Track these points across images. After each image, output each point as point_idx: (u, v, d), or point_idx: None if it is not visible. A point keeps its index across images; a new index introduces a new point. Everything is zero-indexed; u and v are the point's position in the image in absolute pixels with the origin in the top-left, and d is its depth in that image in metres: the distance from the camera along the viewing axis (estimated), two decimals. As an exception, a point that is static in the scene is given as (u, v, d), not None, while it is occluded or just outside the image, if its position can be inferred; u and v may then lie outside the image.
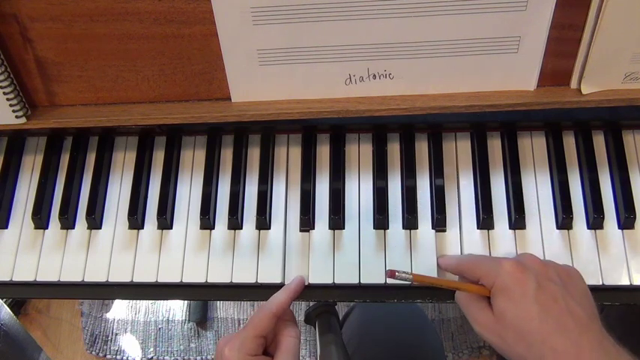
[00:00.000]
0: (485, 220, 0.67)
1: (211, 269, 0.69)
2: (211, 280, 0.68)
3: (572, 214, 0.66)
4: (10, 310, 1.04)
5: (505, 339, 0.53)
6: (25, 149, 0.77)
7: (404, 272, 0.57)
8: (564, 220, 0.66)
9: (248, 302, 1.54)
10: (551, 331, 0.50)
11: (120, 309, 1.57)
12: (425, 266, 0.66)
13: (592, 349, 0.49)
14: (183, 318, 1.54)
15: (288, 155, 0.74)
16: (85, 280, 0.70)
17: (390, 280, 0.64)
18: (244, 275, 0.68)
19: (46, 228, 0.72)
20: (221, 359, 0.58)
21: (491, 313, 0.55)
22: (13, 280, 0.70)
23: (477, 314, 0.56)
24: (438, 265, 0.65)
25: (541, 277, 0.53)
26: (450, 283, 0.60)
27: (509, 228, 0.68)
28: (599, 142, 0.71)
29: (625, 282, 0.64)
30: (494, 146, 0.72)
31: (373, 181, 0.71)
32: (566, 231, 0.67)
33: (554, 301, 0.52)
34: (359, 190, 0.71)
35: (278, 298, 0.63)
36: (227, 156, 0.74)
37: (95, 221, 0.71)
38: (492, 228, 0.68)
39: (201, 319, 1.52)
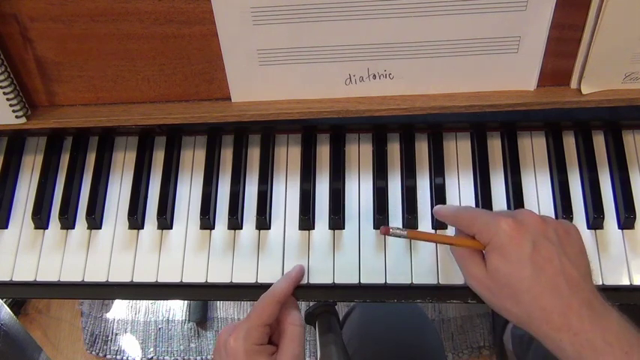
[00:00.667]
0: (553, 218, 0.66)
1: (211, 269, 0.69)
2: (211, 280, 0.68)
3: (572, 214, 0.66)
4: (10, 310, 1.04)
5: (495, 294, 0.54)
6: (25, 149, 0.77)
7: (398, 228, 0.58)
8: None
9: (248, 302, 1.53)
10: (542, 291, 0.50)
11: (120, 309, 1.57)
12: (425, 266, 0.66)
13: (580, 307, 0.49)
14: (183, 318, 1.54)
15: (288, 155, 0.74)
16: (85, 280, 0.70)
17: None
18: (244, 275, 0.68)
19: (46, 228, 0.72)
20: (224, 350, 0.57)
21: (484, 268, 0.55)
22: (13, 280, 0.70)
23: (470, 267, 0.56)
24: (434, 214, 0.64)
25: (538, 236, 0.53)
26: (444, 239, 0.60)
27: (509, 228, 0.68)
28: (599, 142, 0.71)
29: (625, 282, 0.64)
30: (494, 146, 0.72)
31: (373, 181, 0.71)
32: (566, 231, 0.67)
33: (549, 261, 0.52)
34: (359, 190, 0.71)
35: (280, 286, 0.62)
36: (227, 156, 0.74)
37: (95, 221, 0.71)
38: (492, 228, 0.68)
39: (201, 319, 1.52)
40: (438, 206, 0.64)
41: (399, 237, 0.58)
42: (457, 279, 0.66)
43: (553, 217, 0.68)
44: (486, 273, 0.54)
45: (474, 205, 0.69)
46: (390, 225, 0.58)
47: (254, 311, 0.59)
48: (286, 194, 0.72)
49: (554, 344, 0.50)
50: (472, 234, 0.57)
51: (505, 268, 0.53)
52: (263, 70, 0.63)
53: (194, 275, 0.69)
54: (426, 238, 0.60)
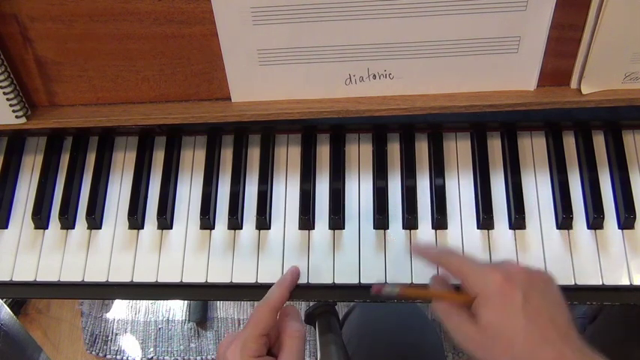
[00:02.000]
0: (485, 220, 0.67)
1: (211, 269, 0.69)
2: (211, 280, 0.68)
3: (572, 214, 0.66)
4: (10, 310, 1.04)
5: (488, 349, 0.53)
6: (25, 149, 0.77)
7: (390, 286, 0.56)
8: (564, 220, 0.66)
9: (248, 302, 1.53)
10: (537, 343, 0.50)
11: (120, 309, 1.57)
12: (425, 267, 0.66)
13: (573, 354, 0.50)
14: (183, 318, 1.54)
15: (288, 155, 0.74)
16: (85, 280, 0.70)
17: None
18: (244, 275, 0.68)
19: (46, 228, 0.72)
20: None
21: (476, 324, 0.54)
22: (13, 280, 0.70)
23: (459, 324, 0.55)
24: (413, 252, 0.64)
25: (527, 288, 0.53)
26: (436, 294, 0.59)
27: (509, 228, 0.68)
28: (599, 142, 0.71)
29: (625, 282, 0.64)
30: (494, 146, 0.72)
31: (373, 181, 0.71)
32: (566, 231, 0.67)
33: (539, 312, 0.52)
34: (359, 190, 0.71)
35: (274, 292, 0.61)
36: (227, 156, 0.74)
37: (95, 221, 0.71)
38: (492, 228, 0.68)
39: (201, 319, 1.52)
40: (416, 244, 0.64)
41: (390, 294, 0.56)
42: (457, 279, 0.66)
43: (553, 217, 0.68)
44: (477, 328, 0.53)
45: (474, 205, 0.69)
46: (383, 284, 0.56)
47: (250, 322, 0.58)
48: (286, 194, 0.72)
49: None
50: (460, 280, 0.56)
51: (499, 321, 0.52)
52: (263, 70, 0.63)
53: (194, 275, 0.69)
54: (418, 294, 0.59)
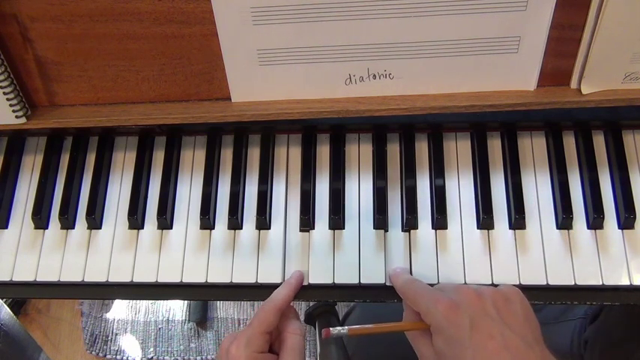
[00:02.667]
0: (485, 220, 0.67)
1: (211, 269, 0.69)
2: (211, 280, 0.68)
3: (572, 214, 0.66)
4: (10, 310, 1.04)
5: None
6: (25, 149, 0.77)
7: (338, 328, 0.57)
8: (564, 220, 0.66)
9: (248, 302, 1.54)
10: None
11: (120, 309, 1.57)
12: (425, 266, 0.66)
13: None
14: (183, 318, 1.54)
15: (288, 155, 0.74)
16: (85, 280, 0.70)
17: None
18: (244, 275, 0.68)
19: (46, 228, 0.72)
20: (226, 358, 0.58)
21: (433, 348, 0.55)
22: (13, 280, 0.70)
23: (420, 347, 0.57)
24: (390, 279, 0.65)
25: (476, 314, 0.52)
26: (385, 328, 0.60)
27: (509, 228, 0.68)
28: (599, 142, 0.71)
29: (625, 282, 0.64)
30: (494, 146, 0.72)
31: (373, 181, 0.71)
32: (566, 231, 0.67)
33: (490, 338, 0.51)
34: (359, 190, 0.71)
35: (280, 293, 0.63)
36: (227, 156, 0.74)
37: (95, 221, 0.71)
38: (492, 228, 0.68)
39: (201, 319, 1.52)
40: (394, 271, 0.64)
41: (340, 335, 0.58)
42: (457, 279, 0.66)
43: (553, 217, 0.68)
44: (435, 353, 0.55)
45: (474, 205, 0.69)
46: (331, 328, 0.58)
47: (255, 319, 0.60)
48: (286, 194, 0.72)
49: None
50: (417, 310, 0.57)
51: (447, 350, 0.52)
52: (263, 70, 0.63)
53: (194, 275, 0.69)
54: (369, 331, 0.59)
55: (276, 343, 0.62)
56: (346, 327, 0.58)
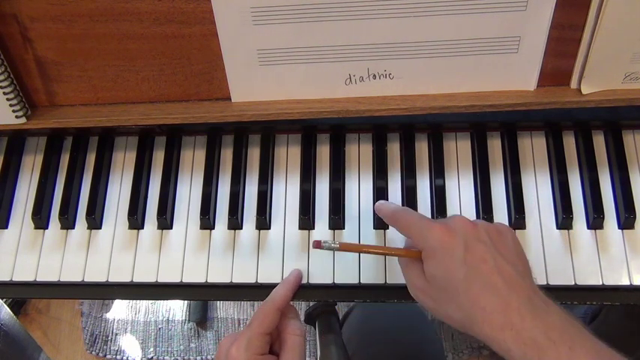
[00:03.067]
0: (485, 220, 0.67)
1: (211, 269, 0.69)
2: (211, 280, 0.68)
3: (572, 214, 0.66)
4: (10, 310, 1.04)
5: (436, 300, 0.54)
6: (25, 149, 0.77)
7: (330, 242, 0.58)
8: (564, 220, 0.66)
9: (248, 302, 1.54)
10: (480, 291, 0.50)
11: (120, 309, 1.57)
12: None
13: (520, 304, 0.49)
14: (183, 318, 1.54)
15: (288, 155, 0.74)
16: (85, 280, 0.70)
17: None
18: (244, 275, 0.68)
19: (46, 228, 0.72)
20: (226, 359, 0.57)
21: (424, 277, 0.55)
22: (13, 280, 0.70)
23: (411, 277, 0.56)
24: (375, 209, 0.64)
25: (470, 239, 0.53)
26: (378, 250, 0.60)
27: (509, 228, 0.68)
28: (599, 142, 0.71)
29: (625, 282, 0.64)
30: (494, 146, 0.72)
31: (373, 181, 0.71)
32: (566, 231, 0.67)
33: (483, 261, 0.51)
34: (359, 190, 0.71)
35: (279, 292, 0.62)
36: (227, 156, 0.74)
37: (95, 221, 0.71)
38: (492, 228, 0.68)
39: (201, 319, 1.52)
40: (380, 202, 0.64)
41: (332, 250, 0.58)
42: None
43: (553, 217, 0.68)
44: (426, 281, 0.54)
45: (474, 205, 0.69)
46: (322, 239, 0.58)
47: (255, 320, 0.59)
48: (286, 194, 0.72)
49: (499, 346, 0.49)
50: (409, 237, 0.58)
51: (440, 272, 0.52)
52: (263, 70, 0.63)
53: (194, 275, 0.69)
54: (360, 249, 0.60)
55: (277, 343, 0.61)
56: (338, 241, 0.58)
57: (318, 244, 0.57)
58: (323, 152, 0.73)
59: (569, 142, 0.71)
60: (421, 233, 0.55)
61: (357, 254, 0.67)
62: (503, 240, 0.54)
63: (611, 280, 0.65)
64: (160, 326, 1.54)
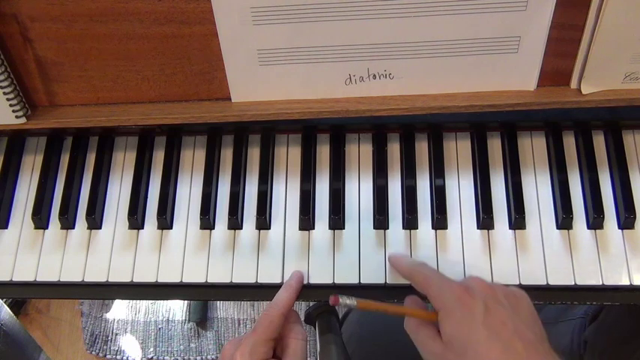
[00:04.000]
0: (485, 220, 0.67)
1: (211, 269, 0.69)
2: (211, 280, 0.68)
3: (572, 214, 0.66)
4: (10, 310, 1.04)
5: None
6: (25, 149, 0.77)
7: (347, 298, 0.55)
8: (564, 220, 0.66)
9: (248, 302, 1.54)
10: (500, 355, 0.50)
11: (120, 309, 1.57)
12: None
13: None
14: (183, 318, 1.54)
15: (288, 155, 0.74)
16: (85, 280, 0.70)
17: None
18: (244, 275, 0.68)
19: (46, 228, 0.72)
20: None
21: (440, 341, 0.54)
22: (13, 280, 0.70)
23: (426, 341, 0.55)
24: (389, 262, 0.64)
25: (489, 300, 0.53)
26: (396, 309, 0.59)
27: (509, 228, 0.68)
28: (599, 142, 0.71)
29: (625, 282, 0.64)
30: (494, 146, 0.72)
31: (373, 181, 0.71)
32: (566, 231, 0.67)
33: (503, 324, 0.51)
34: (359, 190, 0.71)
35: (282, 297, 0.62)
36: (227, 156, 0.74)
37: (95, 221, 0.71)
38: (492, 228, 0.68)
39: (201, 319, 1.52)
40: (393, 256, 0.64)
41: (348, 307, 0.56)
42: (457, 279, 0.66)
43: (553, 217, 0.68)
44: (443, 344, 0.53)
45: (474, 205, 0.69)
46: (340, 295, 0.55)
47: (259, 326, 0.59)
48: (286, 194, 0.72)
49: None
50: (425, 294, 0.57)
51: (460, 334, 0.52)
52: (263, 70, 0.63)
53: (194, 275, 0.69)
54: (377, 307, 0.58)
55: (279, 347, 0.61)
56: (355, 298, 0.55)
57: (335, 301, 0.55)
58: (323, 152, 0.73)
59: (569, 142, 0.71)
60: (440, 292, 0.54)
61: (358, 253, 0.67)
62: (520, 304, 0.54)
63: (611, 280, 0.65)
64: (159, 326, 1.54)
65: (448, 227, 0.68)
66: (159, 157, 0.74)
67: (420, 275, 0.58)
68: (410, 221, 0.68)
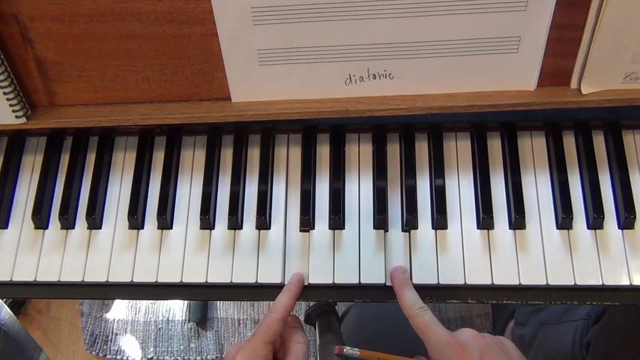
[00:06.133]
0: (485, 220, 0.67)
1: (211, 269, 0.69)
2: (211, 280, 0.68)
3: (572, 214, 0.66)
4: (10, 310, 1.04)
5: None
6: (25, 149, 0.77)
7: (351, 349, 0.62)
8: (564, 220, 0.66)
9: (248, 302, 1.54)
10: None
11: (120, 309, 1.57)
12: (425, 266, 0.66)
13: None
14: (183, 318, 1.54)
15: (288, 155, 0.74)
16: (85, 280, 0.70)
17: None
18: (244, 275, 0.68)
19: (46, 228, 0.72)
20: None
21: None
22: (13, 280, 0.70)
23: None
24: (390, 279, 0.66)
25: (483, 347, 0.56)
26: (397, 359, 0.62)
27: (509, 228, 0.68)
28: (599, 142, 0.71)
29: (625, 282, 0.64)
30: (494, 146, 0.72)
31: (373, 181, 0.71)
32: (566, 231, 0.67)
33: None
34: (359, 190, 0.71)
35: (282, 301, 0.63)
36: (227, 156, 0.74)
37: (95, 221, 0.71)
38: (492, 228, 0.68)
39: (201, 319, 1.52)
40: (397, 278, 0.65)
41: (352, 356, 0.61)
42: (457, 279, 0.66)
43: (553, 217, 0.68)
44: None
45: (474, 205, 0.69)
46: (345, 347, 0.63)
47: (259, 329, 0.60)
48: (286, 194, 0.72)
49: None
50: (423, 339, 0.59)
51: None
52: (263, 70, 0.63)
53: (194, 275, 0.69)
54: (377, 357, 0.62)
55: (280, 351, 0.62)
56: (358, 349, 0.62)
57: (340, 350, 0.62)
58: (323, 152, 0.73)
59: (569, 142, 0.71)
60: (438, 346, 0.57)
61: (357, 253, 0.67)
62: (508, 347, 0.59)
63: (611, 280, 0.65)
64: (159, 326, 1.54)
65: (448, 227, 0.68)
66: (159, 157, 0.74)
67: (420, 322, 0.60)
68: (410, 221, 0.68)
